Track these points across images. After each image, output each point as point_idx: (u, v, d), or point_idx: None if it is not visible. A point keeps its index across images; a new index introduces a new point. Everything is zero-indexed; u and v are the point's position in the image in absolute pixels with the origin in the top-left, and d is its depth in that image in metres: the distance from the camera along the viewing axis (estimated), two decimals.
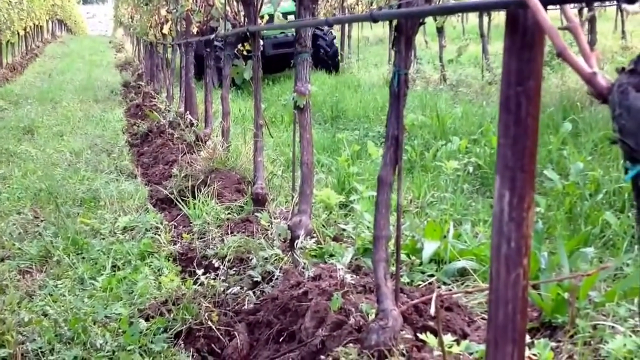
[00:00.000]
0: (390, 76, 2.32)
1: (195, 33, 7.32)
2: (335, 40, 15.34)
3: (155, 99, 10.94)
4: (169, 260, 4.00)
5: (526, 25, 1.51)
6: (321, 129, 8.66)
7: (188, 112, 7.71)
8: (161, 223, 4.59)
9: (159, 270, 3.79)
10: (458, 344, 2.49)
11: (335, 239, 4.01)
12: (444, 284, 3.40)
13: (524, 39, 1.53)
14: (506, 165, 1.61)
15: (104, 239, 4.38)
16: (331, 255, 3.66)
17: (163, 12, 9.53)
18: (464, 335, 2.69)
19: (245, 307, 3.25)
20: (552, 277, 3.00)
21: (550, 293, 2.85)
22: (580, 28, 1.30)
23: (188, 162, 5.78)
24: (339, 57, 15.41)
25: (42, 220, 4.90)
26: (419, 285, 3.35)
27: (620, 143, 1.14)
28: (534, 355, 2.35)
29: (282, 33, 13.31)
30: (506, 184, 1.62)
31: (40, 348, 2.91)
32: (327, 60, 14.57)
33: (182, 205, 4.83)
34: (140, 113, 10.04)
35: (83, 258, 4.08)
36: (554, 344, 2.56)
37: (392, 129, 2.30)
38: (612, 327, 2.60)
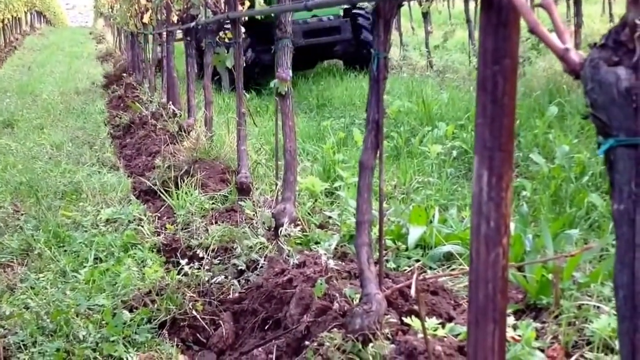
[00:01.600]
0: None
1: (175, 22, 7.27)
2: None
3: (137, 90, 10.86)
4: (152, 251, 3.97)
5: (501, 3, 1.50)
6: (307, 118, 8.64)
7: (171, 102, 7.66)
8: (144, 214, 4.56)
9: (142, 261, 3.77)
10: (443, 327, 2.50)
11: (320, 226, 4.01)
12: (430, 268, 3.39)
13: (499, 17, 1.52)
14: (484, 145, 1.60)
15: (86, 231, 4.35)
16: (316, 243, 3.65)
17: (143, 1, 9.46)
18: (450, 319, 2.69)
19: (230, 296, 3.24)
20: (537, 259, 3.00)
21: (534, 275, 2.85)
22: (554, 5, 1.29)
23: (171, 153, 5.75)
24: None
25: (22, 214, 4.86)
26: (405, 270, 3.34)
27: (593, 117, 1.14)
28: (519, 336, 2.35)
29: (314, 16, 10.85)
30: (484, 163, 1.61)
31: (22, 341, 2.89)
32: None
33: (166, 196, 4.81)
34: (122, 104, 9.97)
35: (65, 251, 4.05)
36: (538, 325, 2.56)
37: (373, 113, 2.29)
38: (597, 307, 2.60)
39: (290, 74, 3.31)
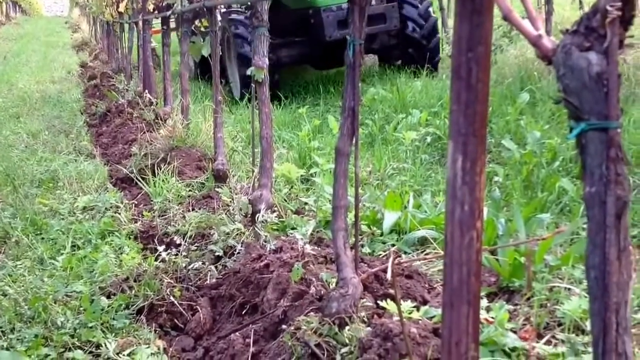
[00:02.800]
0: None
1: (151, 10, 7.23)
2: (432, 11, 9.38)
3: (113, 78, 10.79)
4: (129, 238, 3.98)
5: None
6: (282, 105, 8.65)
7: (147, 91, 7.64)
8: (121, 202, 4.56)
9: (119, 248, 3.78)
10: (418, 310, 2.54)
11: (296, 212, 4.03)
12: (405, 253, 3.44)
13: (474, 4, 1.55)
14: (458, 131, 1.63)
15: (63, 219, 4.34)
16: (293, 229, 3.68)
17: None
18: (424, 302, 2.74)
19: (208, 281, 3.27)
20: (509, 243, 3.06)
21: (507, 258, 2.91)
22: None
23: (148, 141, 5.73)
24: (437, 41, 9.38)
25: None
26: (380, 255, 3.39)
27: (565, 102, 1.17)
28: (492, 318, 2.40)
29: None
30: (459, 148, 1.64)
31: (0, 327, 2.89)
32: (421, 44, 9.05)
33: (143, 184, 4.81)
34: (98, 93, 9.92)
35: (42, 238, 4.04)
36: (511, 307, 2.61)
37: (349, 100, 2.31)
38: (568, 289, 2.66)
39: (267, 62, 3.33)
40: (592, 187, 1.15)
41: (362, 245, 3.43)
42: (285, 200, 4.19)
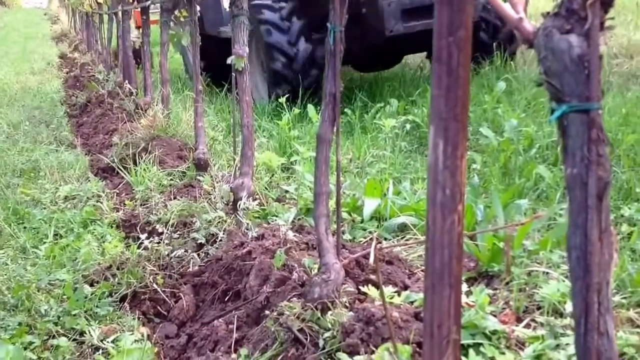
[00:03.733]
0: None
1: (130, 1, 7.19)
2: None
3: (93, 69, 10.73)
4: (112, 227, 3.98)
5: None
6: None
7: (127, 81, 7.60)
8: (103, 191, 4.56)
9: (102, 237, 3.78)
10: (399, 295, 2.57)
11: (278, 200, 4.06)
12: (385, 239, 3.47)
13: None
14: (440, 116, 1.66)
15: (45, 208, 4.33)
16: (274, 216, 3.70)
17: None
18: (405, 287, 2.77)
19: (190, 269, 3.28)
20: (488, 228, 3.10)
21: (486, 243, 2.95)
22: None
23: (129, 131, 5.72)
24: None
25: None
26: (361, 242, 3.42)
27: (546, 84, 1.19)
28: (473, 302, 2.44)
29: None
30: (440, 133, 1.66)
31: None
32: (494, 38, 7.65)
33: (124, 173, 4.80)
34: (78, 84, 9.87)
35: (25, 227, 4.04)
36: (491, 292, 2.66)
37: (330, 87, 2.33)
38: (546, 273, 2.71)
39: (247, 50, 3.34)
40: (573, 168, 1.16)
41: (343, 232, 3.46)
42: (267, 189, 4.21)
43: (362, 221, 3.67)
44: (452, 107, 1.64)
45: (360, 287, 2.63)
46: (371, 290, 2.55)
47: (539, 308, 2.54)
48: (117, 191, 4.67)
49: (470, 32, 1.62)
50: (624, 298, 2.47)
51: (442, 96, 1.65)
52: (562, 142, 1.16)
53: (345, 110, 6.66)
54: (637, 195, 3.89)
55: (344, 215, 3.63)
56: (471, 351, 2.05)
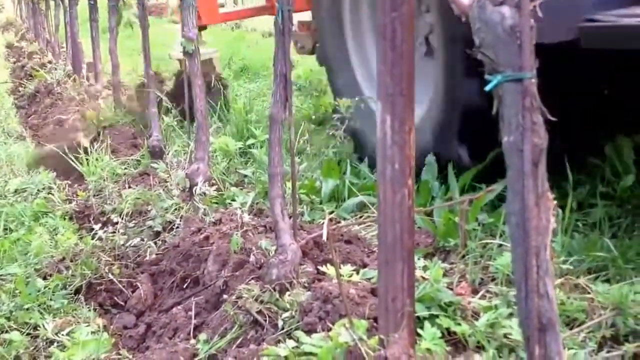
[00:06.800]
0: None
1: None
2: None
3: (41, 58, 10.51)
4: (64, 219, 3.92)
5: None
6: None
7: (76, 69, 7.47)
8: (54, 183, 4.48)
9: (54, 229, 3.72)
10: (358, 273, 2.58)
11: (236, 185, 4.04)
12: (344, 219, 3.48)
13: None
14: (386, 91, 1.67)
15: None
16: (232, 201, 3.68)
17: None
18: (364, 265, 2.78)
19: (147, 257, 3.25)
20: (444, 204, 3.13)
21: (442, 219, 2.98)
22: None
23: (79, 120, 5.63)
24: None
25: None
26: (320, 223, 3.42)
27: (481, 55, 1.21)
28: (428, 276, 2.45)
29: None
30: (387, 108, 1.67)
31: None
32: None
33: (76, 164, 4.72)
34: (26, 74, 9.65)
35: None
36: (447, 266, 2.68)
37: (280, 66, 2.32)
38: (500, 245, 2.74)
39: (197, 32, 3.31)
40: (510, 136, 1.19)
41: (302, 214, 3.46)
42: (224, 174, 4.19)
43: (320, 202, 3.67)
44: (398, 82, 1.65)
45: (319, 267, 2.63)
46: (329, 270, 2.56)
47: (493, 279, 2.57)
48: (69, 182, 4.60)
49: (413, 8, 1.62)
50: (571, 264, 2.52)
51: (388, 71, 1.66)
52: (499, 111, 1.18)
53: (303, 94, 6.65)
54: None
55: (303, 197, 3.63)
56: (427, 323, 2.07)
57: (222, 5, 6.31)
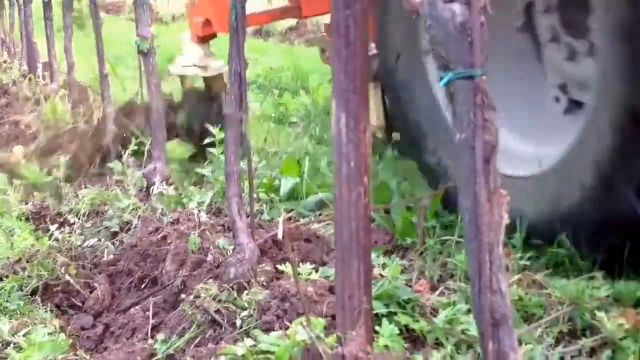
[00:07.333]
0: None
1: None
2: None
3: None
4: (20, 220, 3.84)
5: None
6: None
7: (32, 68, 7.36)
8: (10, 184, 4.39)
9: (10, 230, 3.65)
10: (317, 271, 2.58)
11: (194, 184, 4.01)
12: (303, 217, 3.48)
13: None
14: (340, 89, 1.67)
15: None
16: (191, 200, 3.64)
17: None
18: (323, 263, 2.79)
19: (105, 258, 3.22)
20: (402, 201, 3.15)
21: (400, 216, 2.99)
22: None
23: (35, 121, 5.54)
24: None
25: None
26: (279, 221, 3.41)
27: (433, 52, 1.22)
28: (387, 273, 2.46)
29: None
30: (341, 106, 1.67)
31: None
32: None
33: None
34: None
35: None
36: (406, 262, 2.70)
37: (235, 65, 2.31)
38: (458, 241, 2.76)
39: (151, 31, 3.28)
40: (462, 133, 1.20)
41: (261, 212, 3.45)
42: (183, 173, 4.16)
43: (280, 201, 3.66)
44: (352, 80, 1.65)
45: (278, 266, 2.63)
46: (288, 268, 2.56)
47: (452, 276, 2.60)
48: (26, 183, 4.51)
49: (367, 5, 1.63)
50: (529, 260, 2.55)
51: (342, 69, 1.66)
52: (452, 108, 1.19)
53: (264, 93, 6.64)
54: None
55: (262, 195, 3.62)
56: (385, 320, 2.08)
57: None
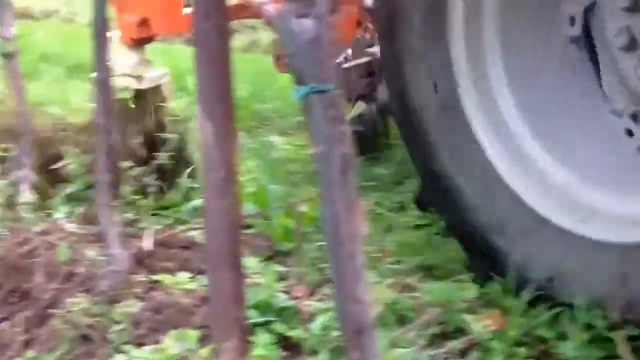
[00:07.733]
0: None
1: None
2: None
3: None
4: None
5: None
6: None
7: None
8: None
9: None
10: (194, 280, 2.55)
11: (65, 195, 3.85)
12: (183, 223, 3.41)
13: None
14: (205, 98, 1.64)
15: None
16: (59, 211, 3.50)
17: None
18: (201, 272, 2.74)
19: None
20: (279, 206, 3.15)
21: (278, 222, 2.99)
22: None
23: None
24: None
25: None
26: (152, 230, 3.33)
27: (290, 66, 1.22)
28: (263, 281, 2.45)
29: None
30: (207, 115, 1.65)
31: None
32: None
33: None
34: None
35: None
36: (283, 269, 2.69)
37: (99, 74, 2.25)
38: None
39: (13, 32, 3.15)
40: (318, 146, 1.21)
41: (137, 221, 3.35)
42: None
43: (160, 208, 3.57)
44: (216, 89, 1.64)
45: (154, 277, 2.58)
46: (164, 278, 2.51)
47: (330, 281, 2.60)
48: None
49: (227, 16, 1.62)
50: (402, 264, 2.60)
51: (206, 78, 1.64)
52: (307, 120, 1.20)
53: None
54: None
55: (138, 202, 3.52)
56: (260, 329, 2.07)
57: (189, 6, 3.23)
